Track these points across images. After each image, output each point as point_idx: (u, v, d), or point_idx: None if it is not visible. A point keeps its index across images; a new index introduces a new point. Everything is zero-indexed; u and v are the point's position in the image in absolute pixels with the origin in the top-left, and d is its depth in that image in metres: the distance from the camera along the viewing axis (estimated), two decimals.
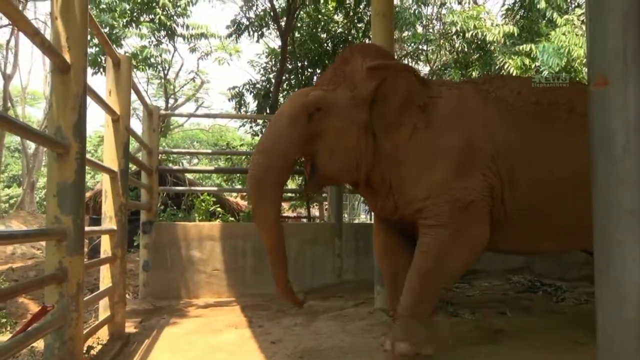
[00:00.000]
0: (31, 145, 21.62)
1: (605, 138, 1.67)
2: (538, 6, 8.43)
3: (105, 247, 3.65)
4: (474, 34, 8.48)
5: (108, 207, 3.67)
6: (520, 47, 8.11)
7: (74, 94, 2.39)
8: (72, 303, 2.39)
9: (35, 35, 2.01)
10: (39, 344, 2.63)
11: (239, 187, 11.49)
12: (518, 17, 9.39)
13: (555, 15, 8.32)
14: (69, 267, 2.37)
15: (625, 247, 1.64)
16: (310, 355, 3.20)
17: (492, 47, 8.56)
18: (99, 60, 8.92)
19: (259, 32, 9.53)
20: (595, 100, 1.70)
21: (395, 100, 3.01)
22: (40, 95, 25.96)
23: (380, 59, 3.12)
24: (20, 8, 1.83)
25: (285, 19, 9.17)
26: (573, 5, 9.44)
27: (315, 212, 14.43)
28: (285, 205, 15.08)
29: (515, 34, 8.32)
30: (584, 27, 8.46)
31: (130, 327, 3.97)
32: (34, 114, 27.07)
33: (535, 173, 3.04)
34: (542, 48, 7.88)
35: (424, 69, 10.58)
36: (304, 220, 15.47)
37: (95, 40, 8.20)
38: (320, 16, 9.70)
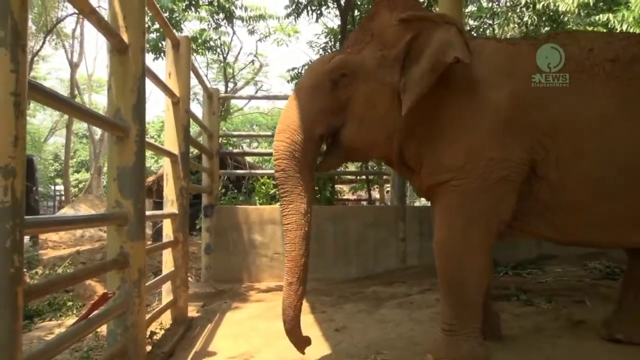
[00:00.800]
0: (98, 131, 22.38)
1: None
2: None
3: (167, 231, 3.63)
4: (545, 5, 7.94)
5: (169, 191, 3.64)
6: (597, 18, 7.55)
7: (133, 75, 2.32)
8: (134, 289, 2.34)
9: (91, 14, 1.93)
10: (102, 328, 2.61)
11: None
12: None
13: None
14: (130, 253, 2.32)
15: None
16: (378, 344, 3.06)
17: (566, 19, 8.03)
18: (160, 45, 8.99)
19: (318, 12, 9.35)
20: None
21: (427, 53, 2.53)
22: (105, 82, 26.81)
23: (411, 10, 2.66)
24: None
25: None
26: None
27: (375, 194, 14.26)
28: (345, 187, 14.99)
29: (591, 3, 7.72)
30: None
31: (192, 311, 3.97)
32: (100, 101, 28.02)
33: (604, 147, 2.52)
34: (621, 17, 7.29)
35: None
36: (364, 203, 15.35)
37: (156, 25, 8.26)
38: None
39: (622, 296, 3.10)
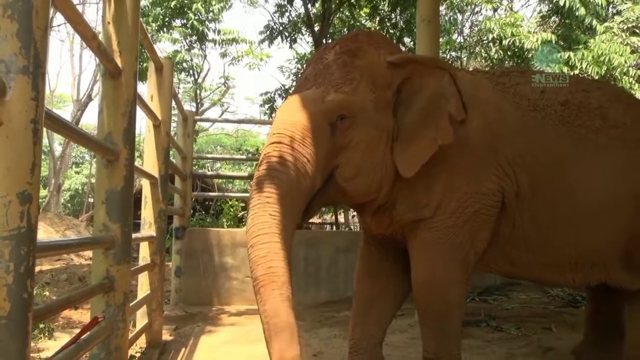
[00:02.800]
0: (58, 148, 21.92)
1: None
2: (577, 13, 8.20)
3: (144, 253, 3.61)
4: (511, 42, 8.31)
5: (147, 213, 3.63)
6: (558, 55, 7.93)
7: (125, 100, 2.34)
8: (119, 312, 2.34)
9: (92, 39, 1.97)
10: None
11: None
12: (554, 24, 9.21)
13: (594, 22, 8.13)
14: (117, 276, 2.32)
15: None
16: None
17: (530, 55, 8.40)
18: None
19: (292, 38, 9.50)
20: None
21: (419, 104, 2.47)
22: (67, 98, 26.30)
23: (393, 50, 2.57)
24: None
25: (318, 24, 9.12)
26: (612, 13, 9.22)
27: (341, 219, 14.34)
28: None
29: (553, 42, 8.13)
30: (624, 35, 8.28)
31: (165, 334, 3.92)
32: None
33: (558, 187, 2.60)
34: (580, 56, 7.68)
35: None
36: (328, 227, 15.42)
37: None
38: (354, 22, 9.64)
39: (587, 328, 3.24)
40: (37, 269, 7.05)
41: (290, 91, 10.10)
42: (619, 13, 9.07)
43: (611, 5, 9.17)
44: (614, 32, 7.94)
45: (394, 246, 2.79)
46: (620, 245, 2.70)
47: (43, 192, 24.84)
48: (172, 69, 3.80)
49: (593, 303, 3.27)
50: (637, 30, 8.23)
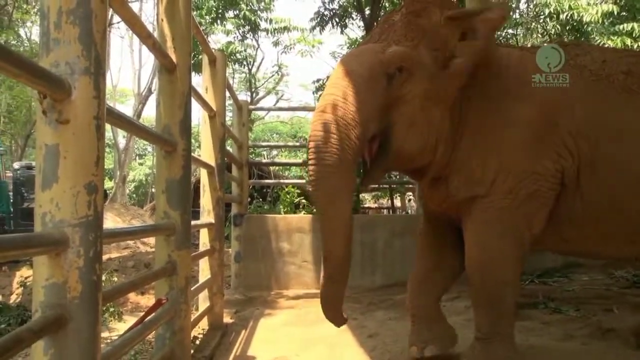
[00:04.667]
0: (122, 140, 22.80)
1: None
2: None
3: (204, 239, 3.76)
4: (569, 15, 7.97)
5: (206, 201, 3.78)
6: (621, 27, 7.58)
7: (180, 93, 2.45)
8: (182, 295, 2.47)
9: (148, 38, 2.07)
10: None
11: None
12: None
13: None
14: (178, 261, 2.44)
15: None
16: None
17: (589, 29, 8.05)
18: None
19: (343, 23, 9.50)
20: None
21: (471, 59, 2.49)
22: (129, 93, 27.28)
23: (455, 7, 2.57)
24: None
25: (369, 8, 9.07)
26: None
27: (397, 203, 14.30)
28: (367, 196, 15.07)
29: (615, 13, 7.75)
30: None
31: (226, 317, 4.08)
32: (123, 110, 28.48)
33: (622, 156, 2.53)
34: None
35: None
36: (385, 211, 15.39)
37: None
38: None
39: None
40: (106, 257, 7.48)
41: None
42: None
43: None
44: None
45: (450, 223, 2.83)
46: None
47: (109, 184, 26.00)
48: (224, 61, 3.91)
49: None
50: None
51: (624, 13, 8.12)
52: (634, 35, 7.39)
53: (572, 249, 2.94)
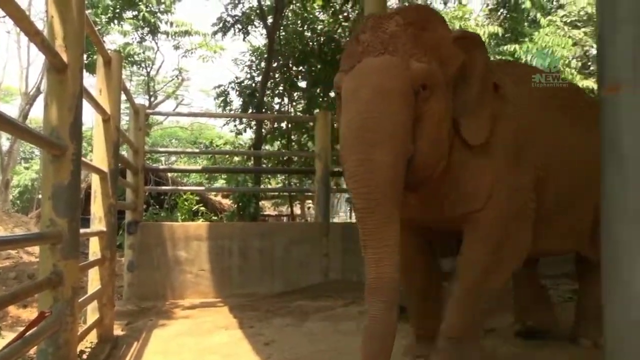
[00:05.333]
0: (5, 143, 21.22)
1: (615, 142, 1.69)
2: (523, 6, 8.49)
3: (95, 248, 3.59)
4: None
5: (97, 208, 3.61)
6: (505, 48, 8.20)
7: (71, 94, 2.34)
8: (68, 307, 2.34)
9: (36, 35, 1.96)
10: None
11: (223, 185, 11.43)
12: (501, 17, 9.49)
13: (539, 15, 8.42)
14: (64, 271, 2.32)
15: (633, 249, 1.66)
16: (307, 356, 3.18)
17: None
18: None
19: (245, 30, 9.48)
20: (606, 105, 1.72)
21: (475, 80, 2.53)
22: (15, 91, 25.41)
23: (447, 26, 2.62)
24: None
25: (272, 17, 9.12)
26: (555, 7, 9.57)
27: (297, 210, 14.40)
28: (267, 203, 15.07)
29: (500, 35, 8.38)
30: (566, 28, 8.62)
31: (117, 329, 3.91)
32: (8, 110, 26.56)
33: (564, 166, 2.84)
34: (525, 49, 7.97)
35: None
36: (284, 219, 15.46)
37: None
38: (306, 14, 9.69)
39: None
40: None
41: (244, 84, 9.77)
42: (561, 7, 9.42)
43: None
44: (557, 25, 8.26)
45: (424, 233, 2.90)
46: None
47: None
48: (121, 62, 3.77)
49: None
50: (578, 24, 8.59)
51: (508, 35, 8.77)
52: (515, 55, 8.03)
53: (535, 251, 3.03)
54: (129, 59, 10.77)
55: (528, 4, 8.53)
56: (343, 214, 22.42)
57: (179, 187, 9.14)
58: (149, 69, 14.33)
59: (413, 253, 2.89)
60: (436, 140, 2.38)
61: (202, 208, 9.08)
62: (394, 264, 2.15)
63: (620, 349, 1.74)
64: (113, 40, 11.72)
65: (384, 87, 2.22)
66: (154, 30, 10.69)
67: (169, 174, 10.68)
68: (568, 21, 8.85)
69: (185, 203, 8.41)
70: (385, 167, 2.14)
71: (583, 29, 9.81)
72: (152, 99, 16.91)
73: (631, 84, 1.63)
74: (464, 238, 2.69)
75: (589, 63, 8.65)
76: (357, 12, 9.03)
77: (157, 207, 9.08)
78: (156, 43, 12.76)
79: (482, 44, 2.68)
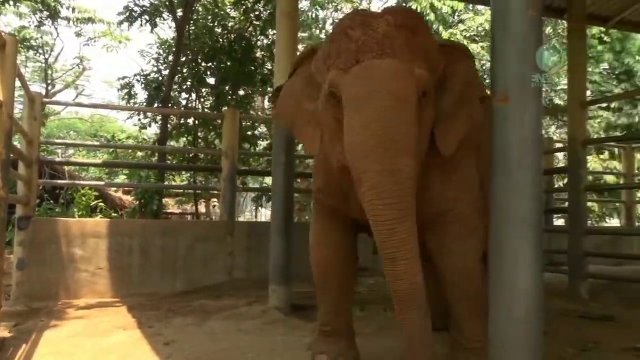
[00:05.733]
0: None
1: (504, 152, 1.82)
2: (427, 18, 8.86)
3: None
4: None
5: None
6: None
7: None
8: None
9: None
10: None
11: (125, 181, 11.02)
12: None
13: (441, 29, 8.83)
14: None
15: (518, 252, 1.81)
16: (209, 356, 3.15)
17: None
18: None
19: (153, 22, 9.19)
20: (497, 115, 1.85)
21: (457, 87, 2.54)
22: None
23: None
24: None
25: (181, 10, 8.91)
26: (457, 21, 10.08)
27: (202, 209, 14.18)
28: (171, 201, 14.70)
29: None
30: (466, 42, 9.10)
31: (4, 332, 3.68)
32: None
33: (485, 171, 2.75)
34: None
35: None
36: (189, 217, 15.18)
37: None
38: (217, 10, 9.55)
39: None
40: None
41: (150, 78, 9.49)
42: (462, 22, 9.94)
43: (456, 14, 10.01)
44: (457, 39, 8.69)
45: (352, 227, 2.87)
46: None
47: None
48: (16, 46, 3.54)
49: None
50: (477, 39, 9.10)
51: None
52: None
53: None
54: (25, 43, 10.10)
55: (432, 17, 8.94)
56: (249, 214, 22.32)
57: (77, 182, 8.68)
58: (47, 56, 13.51)
59: (344, 252, 2.91)
60: (423, 147, 2.37)
61: (102, 204, 8.71)
62: (421, 274, 2.12)
63: (504, 344, 1.88)
64: (8, 22, 10.92)
65: (400, 95, 2.16)
66: (54, 15, 10.09)
67: (66, 168, 10.10)
68: (468, 35, 9.37)
69: (83, 198, 8.04)
70: (409, 177, 2.11)
71: (481, 44, 10.50)
72: (50, 87, 15.95)
73: (518, 96, 1.77)
74: (436, 240, 2.69)
75: (485, 76, 9.21)
76: (269, 11, 9.02)
77: (52, 202, 8.59)
78: (56, 29, 12.07)
79: (467, 55, 2.73)
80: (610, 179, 11.89)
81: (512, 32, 1.84)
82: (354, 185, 2.23)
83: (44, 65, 14.26)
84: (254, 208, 17.63)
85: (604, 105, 14.43)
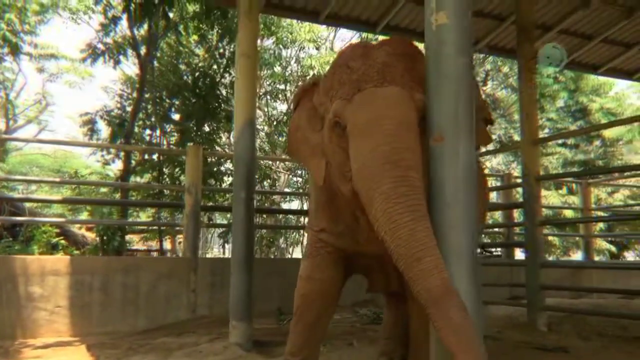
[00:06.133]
0: None
1: (440, 187, 1.94)
2: None
3: None
4: None
5: None
6: None
7: None
8: None
9: None
10: None
11: (87, 217, 10.87)
12: None
13: None
14: None
15: (455, 283, 1.90)
16: None
17: None
18: None
19: (116, 59, 9.26)
20: (433, 154, 1.97)
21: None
22: None
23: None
24: None
25: (144, 47, 9.01)
26: None
27: (167, 245, 14.01)
28: (135, 237, 14.50)
29: None
30: None
31: None
32: None
33: None
34: None
35: (281, 107, 10.91)
36: (154, 253, 14.98)
37: None
38: (181, 48, 9.68)
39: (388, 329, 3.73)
40: None
41: (113, 114, 9.45)
42: None
43: None
44: None
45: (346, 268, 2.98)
46: None
47: None
48: None
49: (390, 309, 3.78)
50: None
51: None
52: None
53: None
54: None
55: None
56: (217, 250, 22.06)
57: (36, 219, 8.54)
58: (8, 91, 13.37)
59: (332, 288, 2.96)
60: (427, 172, 2.27)
61: (63, 241, 8.57)
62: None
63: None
64: None
65: (403, 119, 2.18)
66: (15, 51, 10.07)
67: (27, 204, 9.92)
68: None
69: (44, 235, 7.91)
70: (420, 187, 2.06)
71: None
72: (11, 122, 15.74)
73: (452, 136, 1.91)
74: None
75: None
76: (232, 50, 9.20)
77: (12, 239, 8.43)
78: (18, 64, 12.03)
79: None
80: (568, 213, 12.25)
81: (445, 75, 1.98)
82: (364, 212, 2.20)
83: (4, 100, 14.10)
84: (221, 244, 17.50)
85: (561, 141, 14.99)
